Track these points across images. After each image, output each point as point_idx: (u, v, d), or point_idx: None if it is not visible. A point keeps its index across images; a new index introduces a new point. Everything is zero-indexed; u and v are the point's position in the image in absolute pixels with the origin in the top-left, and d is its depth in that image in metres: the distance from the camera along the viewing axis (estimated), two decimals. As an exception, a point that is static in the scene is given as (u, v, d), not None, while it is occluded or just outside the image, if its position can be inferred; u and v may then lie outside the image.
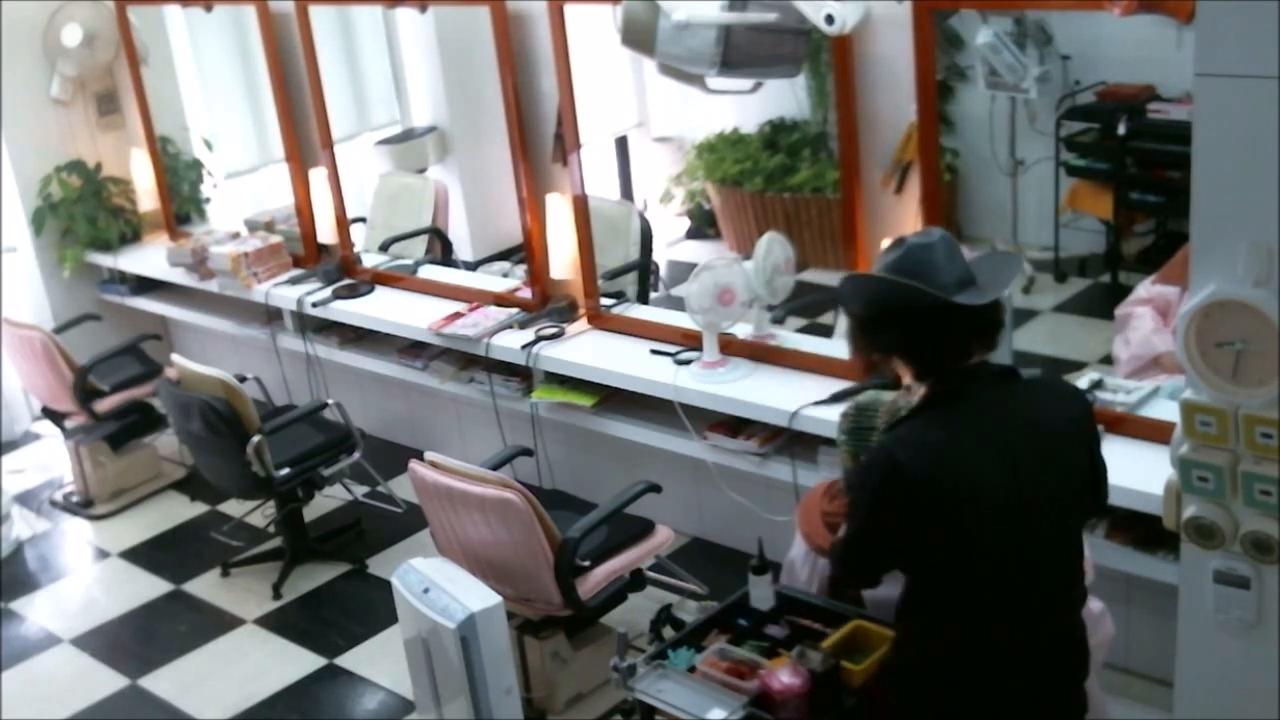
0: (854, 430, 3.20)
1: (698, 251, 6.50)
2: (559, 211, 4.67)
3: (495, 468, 3.95)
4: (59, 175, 6.20)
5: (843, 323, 4.31)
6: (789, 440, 4.03)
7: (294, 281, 5.53)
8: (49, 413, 5.74)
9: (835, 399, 3.87)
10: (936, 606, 2.60)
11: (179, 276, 5.92)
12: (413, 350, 5.12)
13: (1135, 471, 3.19)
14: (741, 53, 3.87)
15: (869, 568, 2.70)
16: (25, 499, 5.79)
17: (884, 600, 3.07)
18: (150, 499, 5.67)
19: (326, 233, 5.58)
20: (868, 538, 2.59)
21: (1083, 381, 3.61)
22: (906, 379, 2.64)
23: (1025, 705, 2.62)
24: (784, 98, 6.02)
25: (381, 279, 5.41)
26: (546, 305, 4.80)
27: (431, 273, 5.41)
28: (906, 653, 2.73)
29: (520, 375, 4.75)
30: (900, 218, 3.86)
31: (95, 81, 6.24)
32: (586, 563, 3.76)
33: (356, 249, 5.58)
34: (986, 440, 2.50)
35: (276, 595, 4.80)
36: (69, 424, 5.69)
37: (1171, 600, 2.55)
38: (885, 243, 3.78)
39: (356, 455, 4.95)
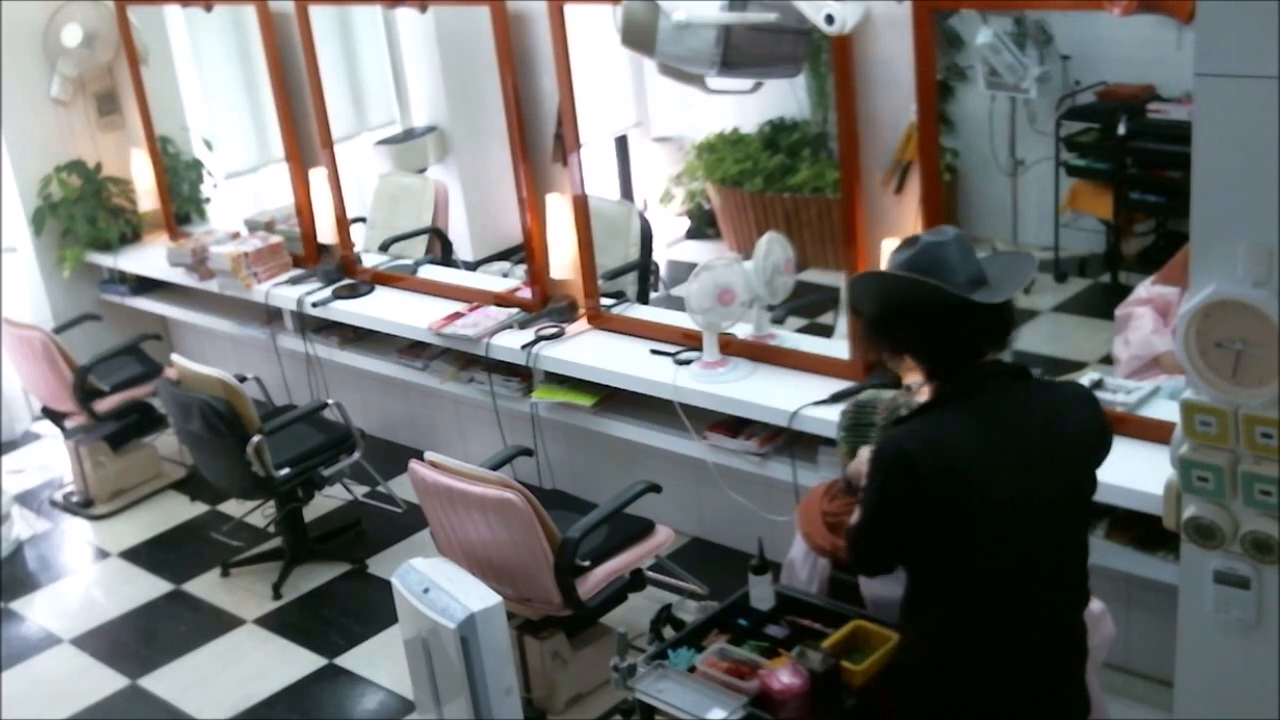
0: (853, 426, 3.21)
1: (698, 251, 6.50)
2: (559, 211, 4.67)
3: (495, 468, 3.95)
4: (59, 175, 6.20)
5: (843, 323, 4.32)
6: (789, 440, 4.03)
7: (294, 281, 5.53)
8: (49, 413, 5.74)
9: (835, 399, 3.87)
10: (940, 606, 2.60)
11: (179, 276, 5.92)
12: (413, 350, 5.12)
13: (1135, 471, 3.19)
14: (741, 53, 3.87)
15: (880, 556, 2.71)
16: (25, 499, 5.79)
17: (884, 600, 3.07)
18: (150, 499, 5.67)
19: (326, 233, 5.58)
20: (878, 527, 2.61)
21: (1083, 381, 3.61)
22: (909, 378, 2.64)
23: (1028, 705, 2.62)
24: (784, 98, 6.03)
25: (381, 279, 5.41)
26: (546, 305, 4.80)
27: (431, 273, 5.41)
28: (910, 653, 2.73)
29: (520, 375, 4.75)
30: (900, 218, 3.86)
31: (95, 81, 6.24)
32: (586, 563, 3.76)
33: (356, 249, 5.58)
34: (998, 439, 2.50)
35: (276, 595, 4.80)
36: (69, 424, 5.69)
37: (1171, 600, 2.55)
38: (885, 243, 3.80)
39: (356, 455, 4.95)
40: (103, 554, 5.32)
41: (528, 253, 4.84)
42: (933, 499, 2.45)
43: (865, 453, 2.89)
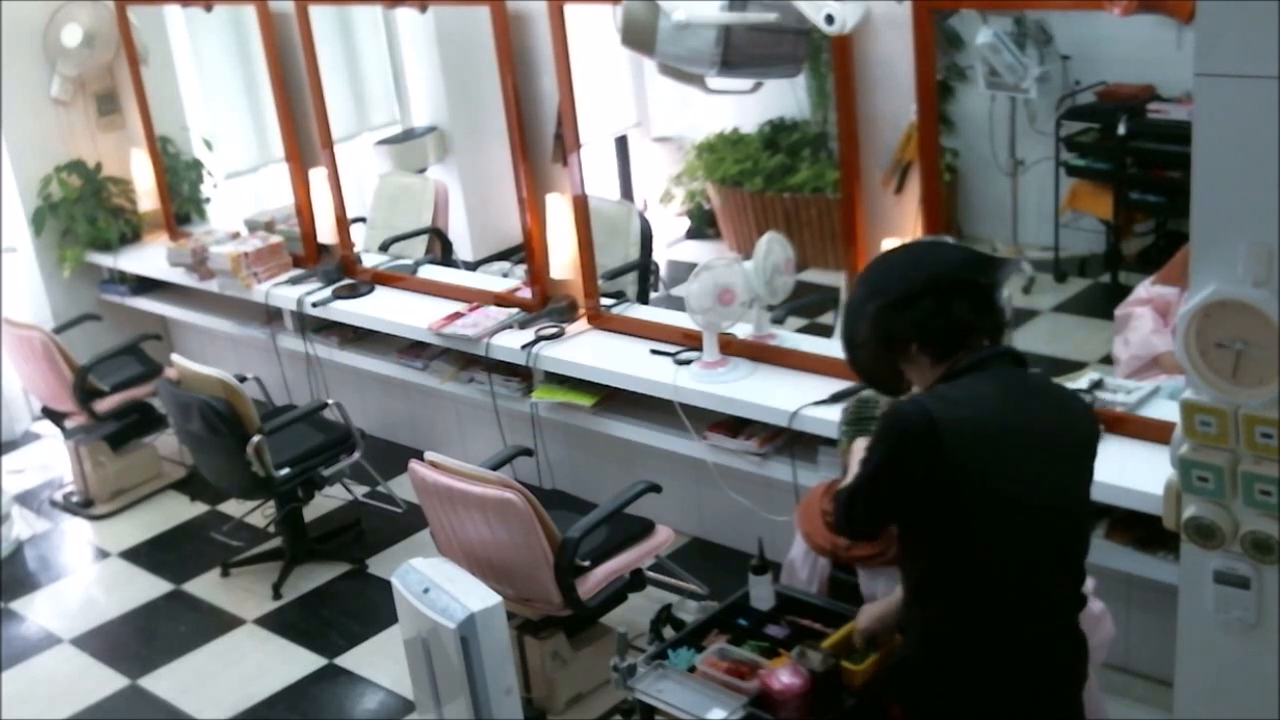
0: (855, 421, 3.22)
1: (698, 251, 6.50)
2: (559, 211, 4.67)
3: (495, 468, 3.95)
4: (59, 175, 6.20)
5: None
6: (789, 440, 4.03)
7: (294, 281, 5.53)
8: (49, 413, 5.74)
9: (835, 399, 3.87)
10: (941, 596, 2.60)
11: (179, 276, 5.92)
12: (413, 350, 5.12)
13: (1135, 471, 3.20)
14: (741, 53, 3.88)
15: (872, 518, 2.68)
16: (25, 499, 5.79)
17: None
18: (150, 499, 5.66)
19: (326, 233, 5.58)
20: (881, 485, 2.57)
21: (1082, 381, 3.61)
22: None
23: (1029, 704, 2.62)
24: (784, 98, 6.02)
25: (381, 279, 5.41)
26: (546, 305, 4.80)
27: (431, 273, 5.41)
28: (908, 650, 2.73)
29: (520, 375, 4.75)
30: (900, 218, 3.86)
31: (95, 81, 6.24)
32: (586, 563, 3.76)
33: (356, 249, 5.58)
34: (1010, 417, 2.51)
35: (276, 595, 4.80)
36: (69, 424, 5.68)
37: (1171, 600, 2.54)
38: (885, 242, 3.80)
39: (356, 455, 4.95)
40: (103, 554, 5.32)
41: (528, 253, 4.84)
42: (947, 465, 2.44)
43: (863, 442, 2.89)
